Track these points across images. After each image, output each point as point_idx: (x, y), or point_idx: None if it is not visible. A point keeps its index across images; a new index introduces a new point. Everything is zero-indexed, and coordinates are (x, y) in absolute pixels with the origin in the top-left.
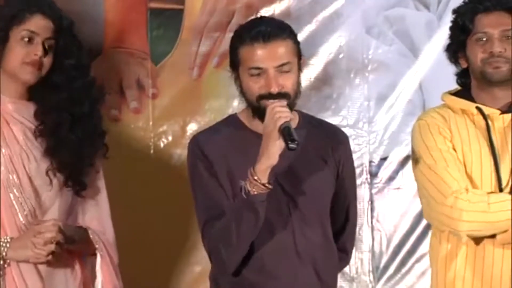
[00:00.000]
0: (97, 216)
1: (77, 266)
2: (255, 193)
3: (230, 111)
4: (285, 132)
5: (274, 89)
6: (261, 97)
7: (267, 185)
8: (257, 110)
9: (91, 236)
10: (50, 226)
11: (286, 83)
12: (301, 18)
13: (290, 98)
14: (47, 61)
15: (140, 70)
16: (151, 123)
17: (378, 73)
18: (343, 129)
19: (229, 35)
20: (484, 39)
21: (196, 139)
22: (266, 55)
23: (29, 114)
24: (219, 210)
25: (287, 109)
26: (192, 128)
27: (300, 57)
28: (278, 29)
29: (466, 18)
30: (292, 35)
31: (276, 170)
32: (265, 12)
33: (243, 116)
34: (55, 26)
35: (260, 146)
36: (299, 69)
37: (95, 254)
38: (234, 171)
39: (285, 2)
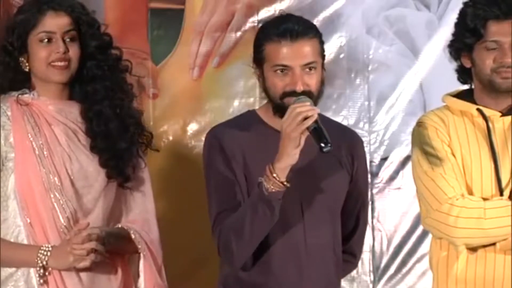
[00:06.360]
0: (142, 215)
1: (119, 266)
2: (273, 190)
3: (230, 111)
4: (316, 133)
5: (300, 88)
6: (286, 94)
7: (285, 183)
8: (280, 108)
9: (133, 237)
10: (85, 236)
11: (311, 82)
12: None
13: (313, 97)
14: (73, 53)
15: (141, 70)
16: (151, 123)
17: (378, 73)
18: None
19: (230, 35)
20: (495, 47)
21: (214, 131)
22: (292, 53)
23: (71, 114)
24: (233, 203)
25: (310, 107)
26: (192, 128)
27: (324, 57)
28: (305, 28)
29: (478, 22)
30: (318, 34)
31: (294, 168)
32: (266, 12)
33: (262, 113)
34: (71, 17)
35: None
36: (323, 68)
37: (138, 252)
38: (250, 167)
39: (286, 2)
